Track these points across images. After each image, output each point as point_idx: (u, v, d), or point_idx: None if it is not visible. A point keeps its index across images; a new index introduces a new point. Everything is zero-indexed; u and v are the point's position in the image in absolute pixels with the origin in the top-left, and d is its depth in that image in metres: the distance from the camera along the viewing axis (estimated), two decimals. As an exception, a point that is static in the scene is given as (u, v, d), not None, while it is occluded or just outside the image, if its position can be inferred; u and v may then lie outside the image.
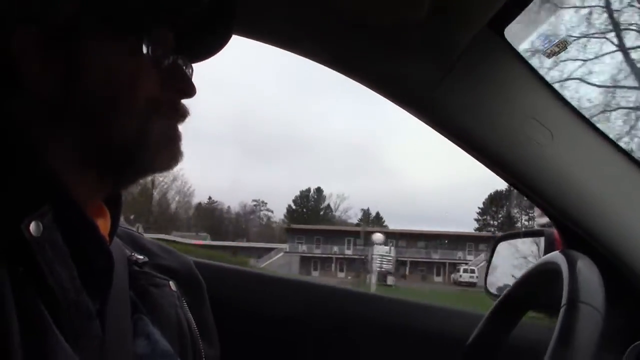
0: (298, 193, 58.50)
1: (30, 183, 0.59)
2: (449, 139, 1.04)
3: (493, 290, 1.31)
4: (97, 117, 0.64)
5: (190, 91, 0.71)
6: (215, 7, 0.69)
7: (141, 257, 0.82)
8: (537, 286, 0.91)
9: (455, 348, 0.99)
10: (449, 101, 0.98)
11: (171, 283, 0.83)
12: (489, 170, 1.06)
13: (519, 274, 0.96)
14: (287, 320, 1.26)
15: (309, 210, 59.37)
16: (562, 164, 0.99)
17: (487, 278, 1.33)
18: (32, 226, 0.56)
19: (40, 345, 0.53)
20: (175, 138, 0.70)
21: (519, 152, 0.99)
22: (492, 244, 1.42)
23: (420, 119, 1.04)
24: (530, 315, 0.99)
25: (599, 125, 1.00)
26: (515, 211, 56.54)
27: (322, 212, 58.04)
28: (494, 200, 57.25)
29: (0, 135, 0.60)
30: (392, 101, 1.05)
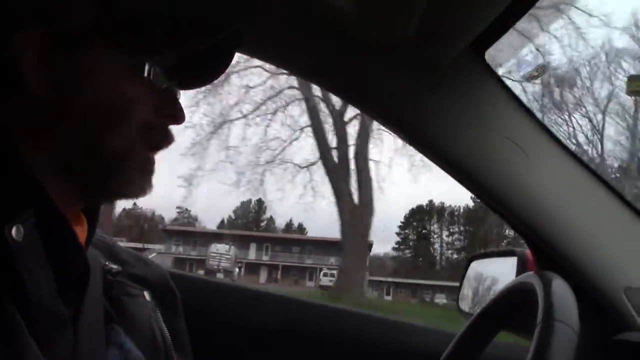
0: (239, 204, 58.43)
1: (14, 187, 0.58)
2: (426, 155, 1.05)
3: (465, 309, 1.31)
4: (88, 131, 0.64)
5: (180, 118, 0.72)
6: (221, 38, 0.68)
7: (115, 266, 0.80)
8: (511, 306, 0.92)
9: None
10: (429, 119, 0.99)
11: (145, 293, 0.82)
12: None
13: (490, 293, 0.97)
14: (262, 334, 1.25)
15: (249, 221, 59.71)
16: (536, 183, 1.00)
17: (459, 297, 1.34)
18: (14, 231, 0.55)
19: (11, 351, 0.53)
20: (151, 169, 0.70)
21: (494, 171, 1.00)
22: (464, 263, 1.43)
23: (399, 136, 1.06)
24: (503, 336, 1.00)
25: (570, 147, 1.02)
26: (435, 226, 57.85)
27: (263, 223, 58.28)
28: (415, 215, 58.42)
29: None
30: (371, 117, 1.06)
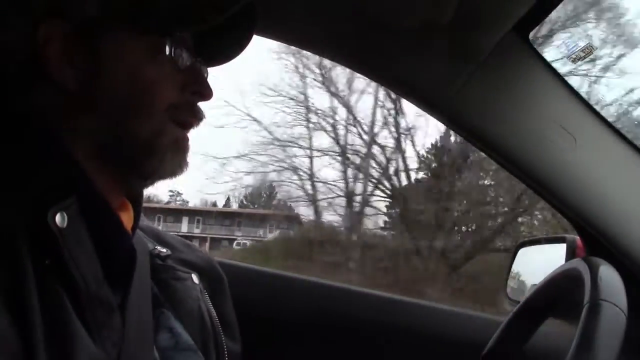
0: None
1: (56, 174, 0.60)
2: (470, 142, 1.04)
3: (513, 296, 1.29)
4: (116, 115, 0.64)
5: (207, 94, 0.71)
6: (236, 13, 0.67)
7: (164, 250, 0.82)
8: (558, 292, 0.90)
9: (472, 353, 0.98)
10: (471, 105, 0.98)
11: (193, 276, 0.83)
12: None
13: (539, 280, 0.95)
14: (304, 321, 1.26)
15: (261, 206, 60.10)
16: (585, 170, 0.97)
17: (507, 284, 1.32)
18: (58, 217, 0.56)
19: (61, 337, 0.54)
20: (185, 147, 0.70)
21: (542, 157, 0.98)
22: (513, 249, 1.40)
23: (442, 122, 1.04)
24: (550, 323, 0.98)
25: (623, 131, 0.98)
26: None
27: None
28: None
29: (26, 126, 0.61)
30: (413, 103, 1.05)
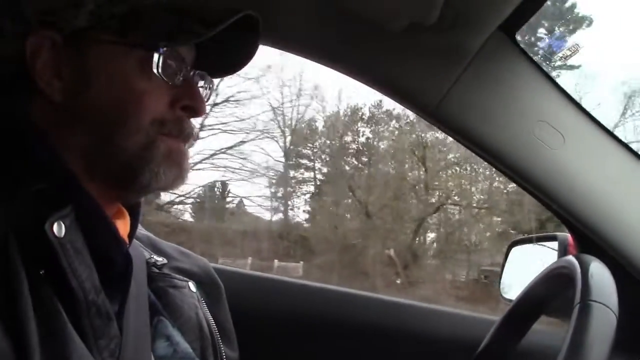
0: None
1: (52, 184, 0.59)
2: (459, 142, 1.04)
3: (507, 295, 1.29)
4: (102, 129, 0.64)
5: (199, 110, 0.70)
6: (239, 24, 0.67)
7: (160, 259, 0.82)
8: (550, 290, 0.90)
9: (465, 353, 0.98)
10: (460, 105, 0.98)
11: (190, 284, 0.83)
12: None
13: (531, 278, 0.95)
14: (301, 325, 1.26)
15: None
16: (574, 167, 0.98)
17: (500, 282, 1.32)
18: (55, 227, 0.56)
19: (57, 346, 0.54)
20: (179, 159, 0.68)
21: (531, 155, 0.98)
22: (505, 248, 1.41)
23: (430, 122, 1.04)
24: (543, 321, 0.98)
25: (610, 128, 0.99)
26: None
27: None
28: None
29: (20, 137, 0.61)
30: (402, 104, 1.05)
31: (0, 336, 0.50)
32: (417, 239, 9.69)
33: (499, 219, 9.53)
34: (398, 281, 8.64)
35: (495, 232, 9.55)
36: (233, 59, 0.75)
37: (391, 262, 8.96)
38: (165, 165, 0.67)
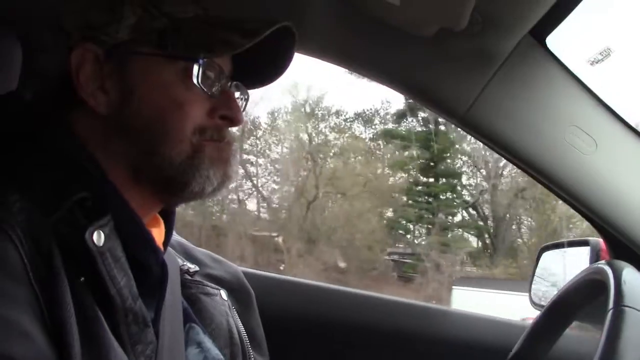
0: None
1: (92, 194, 0.61)
2: (490, 147, 1.04)
3: (537, 300, 1.28)
4: (146, 138, 0.65)
5: (236, 120, 0.71)
6: (275, 36, 0.68)
7: (192, 266, 0.83)
8: (582, 296, 0.89)
9: (495, 358, 0.98)
10: (489, 110, 0.98)
11: (222, 292, 0.84)
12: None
13: (563, 284, 0.95)
14: (326, 328, 1.26)
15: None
16: (607, 172, 0.97)
17: (531, 288, 1.31)
18: (95, 236, 0.57)
19: (98, 353, 0.55)
20: (226, 162, 0.70)
21: (562, 161, 0.97)
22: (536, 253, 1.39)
23: (461, 128, 1.04)
24: (576, 327, 0.97)
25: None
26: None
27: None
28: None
29: (63, 148, 0.63)
30: (432, 110, 1.05)
31: (44, 343, 0.51)
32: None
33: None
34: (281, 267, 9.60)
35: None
36: (269, 70, 0.77)
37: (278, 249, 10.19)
38: (215, 168, 0.68)
